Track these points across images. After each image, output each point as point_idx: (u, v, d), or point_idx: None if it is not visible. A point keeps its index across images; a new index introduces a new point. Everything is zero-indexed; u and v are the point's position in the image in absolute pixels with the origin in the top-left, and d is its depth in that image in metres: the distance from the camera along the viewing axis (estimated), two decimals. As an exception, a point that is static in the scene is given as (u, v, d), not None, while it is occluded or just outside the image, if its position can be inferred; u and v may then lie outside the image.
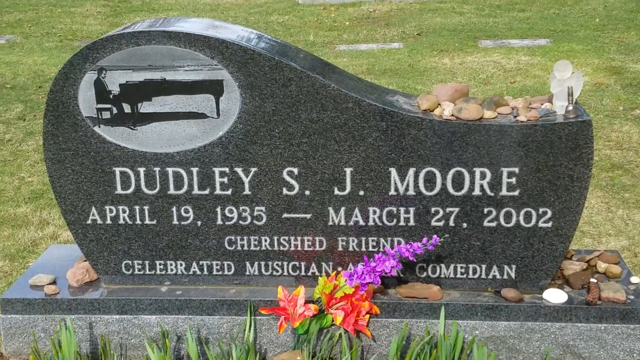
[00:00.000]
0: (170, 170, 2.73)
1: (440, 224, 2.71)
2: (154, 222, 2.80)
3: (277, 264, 2.82)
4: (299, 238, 2.77)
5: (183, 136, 2.68)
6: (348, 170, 2.68)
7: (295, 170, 2.69)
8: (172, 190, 2.75)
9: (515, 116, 2.65)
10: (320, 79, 2.59)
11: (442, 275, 2.78)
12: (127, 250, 2.84)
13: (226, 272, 2.85)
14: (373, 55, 7.96)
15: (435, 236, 2.63)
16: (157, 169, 2.73)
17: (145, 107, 2.66)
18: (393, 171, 2.66)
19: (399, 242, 2.75)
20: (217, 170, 2.72)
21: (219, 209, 2.76)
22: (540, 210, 2.65)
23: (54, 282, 2.92)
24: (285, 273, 2.83)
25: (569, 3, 9.73)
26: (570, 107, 2.61)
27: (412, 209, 2.70)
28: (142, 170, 2.73)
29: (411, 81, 6.87)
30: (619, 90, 6.34)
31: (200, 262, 2.84)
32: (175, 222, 2.79)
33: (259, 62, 2.59)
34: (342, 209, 2.72)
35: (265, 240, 2.79)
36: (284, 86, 2.61)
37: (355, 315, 2.65)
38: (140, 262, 2.86)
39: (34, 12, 10.47)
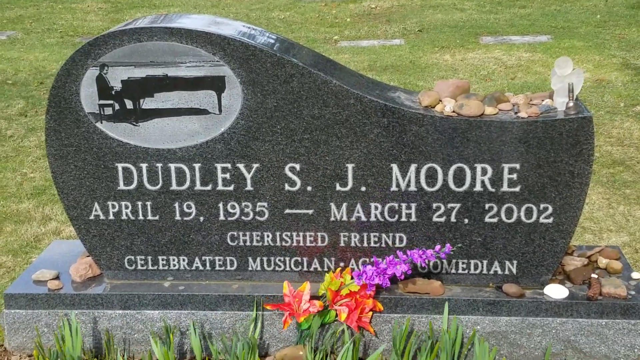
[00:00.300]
0: (172, 166, 2.74)
1: (442, 219, 2.72)
2: (157, 217, 2.81)
3: (279, 260, 2.83)
4: (301, 234, 2.78)
5: (185, 132, 2.69)
6: (350, 166, 2.69)
7: (297, 166, 2.70)
8: (174, 186, 2.76)
9: (516, 112, 2.65)
10: (322, 75, 2.60)
11: (444, 271, 2.79)
12: (130, 245, 2.85)
13: (229, 268, 2.86)
14: (374, 51, 7.97)
15: (448, 245, 2.65)
16: (159, 165, 2.74)
17: (147, 104, 2.67)
18: (395, 167, 2.67)
19: (400, 238, 2.76)
20: (219, 166, 2.73)
21: (221, 205, 2.77)
22: (541, 206, 2.66)
23: (57, 278, 2.93)
24: (288, 268, 2.84)
25: (569, 0, 9.74)
26: (571, 104, 2.61)
27: (414, 205, 2.71)
28: (144, 166, 2.74)
29: (412, 77, 6.88)
30: (620, 86, 6.35)
31: (203, 258, 2.85)
32: (177, 217, 2.80)
33: (260, 58, 2.59)
34: (344, 204, 2.74)
35: (268, 236, 2.80)
36: (286, 82, 2.62)
37: (359, 312, 2.66)
38: (143, 257, 2.87)
39: (34, 8, 10.47)
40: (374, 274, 2.63)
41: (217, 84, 2.63)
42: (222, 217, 2.79)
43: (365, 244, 2.78)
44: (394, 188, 2.70)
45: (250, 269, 2.86)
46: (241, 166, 2.72)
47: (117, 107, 2.68)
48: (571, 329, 2.70)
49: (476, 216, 2.70)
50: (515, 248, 2.73)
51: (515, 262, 2.75)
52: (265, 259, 2.84)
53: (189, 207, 2.79)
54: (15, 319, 2.86)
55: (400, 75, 6.97)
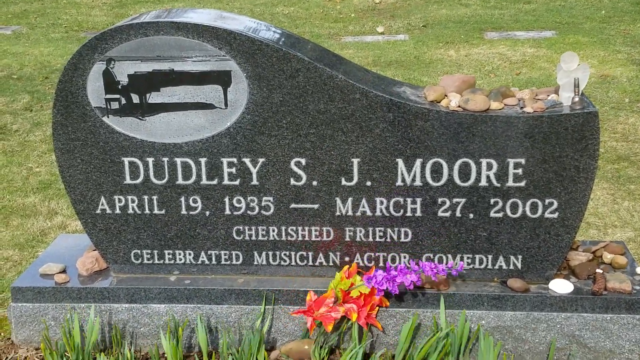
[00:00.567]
0: (178, 160, 2.75)
1: (447, 214, 2.72)
2: (163, 211, 2.82)
3: (284, 254, 2.84)
4: (306, 228, 2.79)
5: (191, 127, 2.70)
6: (355, 161, 2.69)
7: (303, 161, 2.71)
8: (180, 181, 2.77)
9: (521, 107, 2.66)
10: (327, 70, 2.60)
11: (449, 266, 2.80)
12: (136, 239, 2.86)
13: (234, 262, 2.87)
14: (378, 47, 7.96)
15: (461, 263, 2.66)
16: (165, 159, 2.75)
17: (153, 98, 2.68)
18: (400, 162, 2.68)
19: (405, 233, 2.77)
20: (225, 160, 2.73)
21: (227, 199, 2.78)
22: (547, 201, 2.67)
23: (63, 271, 2.95)
24: (293, 263, 2.85)
25: (575, -5, 9.72)
26: (577, 99, 2.62)
27: (419, 200, 2.72)
28: (150, 160, 2.75)
29: (417, 73, 6.88)
30: (625, 82, 6.34)
31: (209, 252, 2.86)
32: (183, 212, 2.81)
33: (266, 53, 2.60)
34: (350, 199, 2.74)
35: (273, 230, 2.81)
36: (292, 77, 2.62)
37: (367, 309, 2.67)
38: (149, 251, 2.88)
39: (39, 3, 10.48)
40: (384, 280, 2.64)
41: (223, 79, 2.64)
42: (227, 212, 2.80)
43: (370, 239, 2.79)
44: (399, 183, 2.71)
45: (255, 263, 2.87)
46: (247, 161, 2.73)
47: (123, 101, 2.69)
48: (576, 323, 2.70)
49: (481, 211, 2.71)
50: (520, 243, 2.74)
51: (520, 257, 2.76)
52: (270, 253, 2.85)
53: (194, 201, 2.80)
54: (22, 312, 2.88)
55: (404, 70, 6.97)
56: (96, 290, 2.85)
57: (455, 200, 2.71)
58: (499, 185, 2.67)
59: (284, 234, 2.81)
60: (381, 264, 2.81)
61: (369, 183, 2.72)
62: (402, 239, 2.78)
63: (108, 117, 2.71)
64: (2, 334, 3.01)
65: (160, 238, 2.86)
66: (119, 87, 2.67)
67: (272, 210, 2.78)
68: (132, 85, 2.66)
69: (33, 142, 5.39)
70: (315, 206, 2.77)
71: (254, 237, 2.83)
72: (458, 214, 2.72)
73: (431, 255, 2.80)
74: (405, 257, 2.79)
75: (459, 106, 2.65)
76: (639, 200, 4.23)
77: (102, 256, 2.93)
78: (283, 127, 2.67)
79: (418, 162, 2.67)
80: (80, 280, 2.90)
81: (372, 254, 2.81)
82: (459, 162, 2.66)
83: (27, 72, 7.22)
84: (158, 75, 2.65)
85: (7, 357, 2.87)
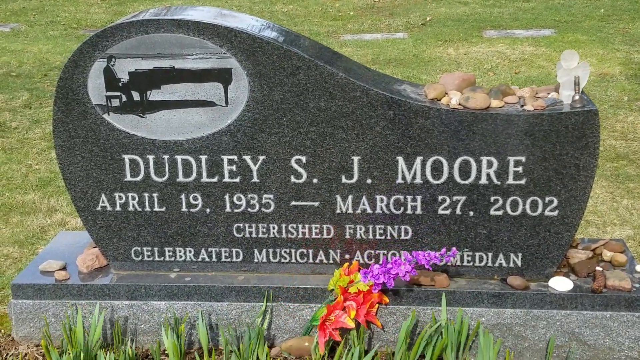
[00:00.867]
0: (179, 157, 2.75)
1: (447, 212, 2.73)
2: (163, 209, 2.82)
3: (285, 251, 2.85)
4: (307, 226, 2.80)
5: (192, 124, 2.70)
6: (356, 159, 2.70)
7: (303, 159, 2.71)
8: (181, 178, 2.78)
9: (522, 105, 2.66)
10: (328, 67, 2.61)
11: (449, 263, 2.81)
12: (137, 236, 2.87)
13: (234, 259, 2.88)
14: (378, 45, 7.97)
15: (454, 249, 2.66)
16: (166, 157, 2.75)
17: (154, 95, 2.68)
18: (400, 160, 2.68)
19: (406, 231, 2.77)
20: (225, 158, 2.74)
21: (227, 197, 2.79)
22: (547, 198, 2.67)
23: (64, 268, 2.95)
24: (293, 260, 2.86)
25: (573, -7, 9.73)
26: (577, 97, 2.62)
27: (419, 197, 2.72)
28: (151, 157, 2.76)
29: (416, 71, 6.88)
30: (624, 80, 6.35)
31: (209, 249, 2.87)
32: (184, 209, 2.81)
33: (267, 50, 2.60)
34: (350, 197, 2.75)
35: (274, 228, 2.82)
36: (292, 75, 2.62)
37: (367, 306, 2.68)
38: (149, 248, 2.88)
39: (38, 1, 10.47)
40: (380, 273, 2.64)
41: (223, 76, 2.64)
42: (228, 209, 2.80)
43: (370, 236, 2.80)
44: (399, 180, 2.71)
45: (256, 260, 2.87)
46: (247, 158, 2.73)
47: (124, 98, 2.69)
48: (575, 321, 2.71)
49: (481, 209, 2.71)
50: (520, 241, 2.74)
51: (520, 254, 2.76)
52: (271, 250, 2.85)
53: (195, 198, 2.80)
54: (22, 309, 2.88)
55: (403, 68, 6.98)
56: (97, 287, 2.85)
57: (455, 198, 2.71)
58: (499, 183, 2.68)
59: (284, 231, 2.82)
60: (381, 262, 2.81)
61: (369, 181, 2.72)
62: (403, 237, 2.78)
63: (109, 114, 2.71)
64: (2, 330, 3.02)
65: (160, 235, 2.86)
66: (120, 84, 2.67)
67: (272, 208, 2.79)
68: (132, 83, 2.66)
69: (32, 139, 5.39)
70: (316, 204, 2.77)
71: (254, 235, 2.83)
72: (458, 211, 2.73)
73: (431, 253, 2.80)
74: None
75: (459, 104, 2.65)
76: (637, 198, 4.24)
77: (102, 253, 2.93)
78: (283, 125, 2.68)
79: (418, 160, 2.67)
80: (81, 277, 2.90)
81: (373, 252, 2.82)
82: (459, 160, 2.66)
83: (26, 70, 7.22)
84: (159, 73, 2.65)
85: (7, 354, 2.87)
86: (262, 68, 2.62)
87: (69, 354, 2.59)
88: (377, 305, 2.74)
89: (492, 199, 2.70)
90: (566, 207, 2.67)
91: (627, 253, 2.94)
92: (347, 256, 2.84)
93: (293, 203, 2.78)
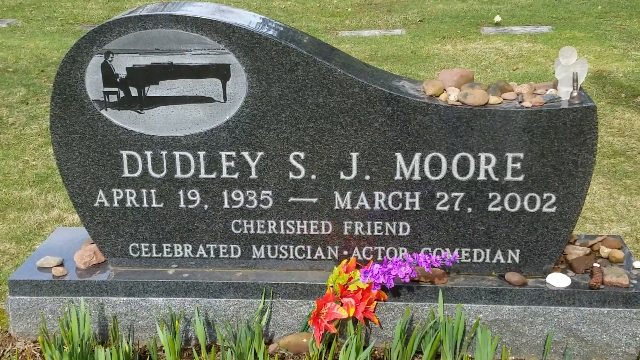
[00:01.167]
0: (177, 154, 2.74)
1: (446, 208, 2.73)
2: (161, 205, 2.82)
3: (283, 248, 2.85)
4: (305, 222, 2.80)
5: (190, 120, 2.70)
6: (354, 155, 2.69)
7: (302, 155, 2.71)
8: (179, 174, 2.77)
9: (520, 102, 2.66)
10: (326, 63, 2.60)
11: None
12: (135, 233, 2.86)
13: (233, 256, 2.87)
14: (375, 41, 7.96)
15: (455, 253, 2.65)
16: (164, 153, 2.75)
17: (152, 91, 2.67)
18: (399, 156, 2.68)
19: (404, 227, 2.77)
20: (223, 154, 2.73)
21: (225, 193, 2.78)
22: (545, 195, 2.67)
23: (61, 264, 2.94)
24: (292, 256, 2.86)
25: (571, -10, 9.73)
26: (575, 93, 2.62)
27: (418, 194, 2.72)
28: (149, 153, 2.75)
29: (414, 68, 6.88)
30: (621, 77, 6.35)
31: (207, 245, 2.86)
32: (182, 205, 2.81)
33: (265, 46, 2.60)
34: (348, 193, 2.74)
35: (272, 224, 2.81)
36: (291, 71, 2.62)
37: (365, 303, 2.67)
38: (147, 244, 2.88)
39: (35, -4, 10.44)
40: (380, 273, 2.64)
41: (222, 72, 2.63)
42: (226, 205, 2.80)
43: (369, 233, 2.80)
44: (398, 177, 2.71)
45: (254, 256, 2.87)
46: (246, 154, 2.73)
47: (121, 94, 2.68)
48: (573, 317, 2.71)
49: (480, 205, 2.71)
50: (518, 237, 2.74)
51: (518, 251, 2.77)
52: (269, 247, 2.85)
53: (193, 195, 2.80)
54: (19, 305, 2.87)
55: (401, 65, 6.97)
56: (94, 283, 2.85)
57: (453, 194, 2.71)
58: (497, 179, 2.68)
59: (282, 227, 2.81)
60: (379, 258, 2.82)
61: (367, 177, 2.72)
62: (401, 233, 2.78)
63: (106, 110, 2.70)
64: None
65: (158, 231, 2.86)
66: (118, 80, 2.67)
67: (270, 204, 2.79)
68: (130, 79, 2.66)
69: (29, 135, 5.38)
70: (314, 200, 2.77)
71: (252, 231, 2.83)
72: (456, 208, 2.73)
73: (429, 249, 2.80)
74: (403, 251, 2.80)
75: (457, 100, 2.65)
76: (635, 194, 4.25)
77: (100, 249, 2.92)
78: (282, 121, 2.67)
79: (417, 156, 2.67)
80: (78, 274, 2.90)
81: (371, 248, 2.82)
82: (457, 156, 2.66)
83: (23, 65, 7.20)
84: (157, 69, 2.64)
85: (4, 350, 2.87)
86: (260, 64, 2.61)
87: (66, 350, 2.58)
88: (375, 302, 2.74)
89: (490, 195, 2.70)
90: (564, 203, 2.68)
91: (624, 249, 2.95)
92: (345, 252, 2.84)
93: (291, 199, 2.77)
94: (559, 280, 2.74)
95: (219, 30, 2.58)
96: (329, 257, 2.85)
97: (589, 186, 2.67)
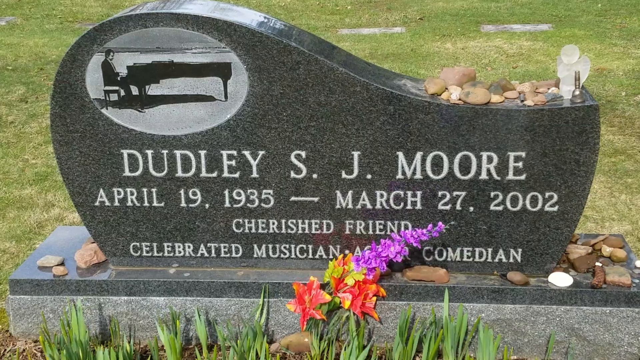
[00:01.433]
0: (178, 152, 2.74)
1: (447, 207, 2.72)
2: (162, 204, 2.81)
3: (284, 247, 2.84)
4: (306, 221, 2.79)
5: (191, 119, 2.69)
6: (355, 154, 2.68)
7: (303, 154, 2.70)
8: (180, 173, 2.76)
9: (522, 100, 2.65)
10: (328, 62, 2.59)
11: (449, 259, 2.80)
12: (135, 232, 2.85)
13: (234, 255, 2.86)
14: (375, 39, 7.95)
15: (440, 223, 2.63)
16: (165, 152, 2.74)
17: (153, 90, 2.66)
18: (400, 155, 2.67)
19: (405, 226, 2.77)
20: (224, 153, 2.72)
21: (226, 192, 2.77)
22: (547, 194, 2.67)
23: (62, 264, 2.93)
24: (293, 256, 2.85)
25: (571, -12, 9.72)
26: (577, 92, 2.61)
27: (419, 193, 2.72)
28: (149, 152, 2.74)
29: (414, 66, 6.86)
30: (621, 75, 6.35)
31: (208, 245, 2.86)
32: (183, 204, 2.80)
33: (267, 45, 2.59)
34: (350, 192, 2.74)
35: (273, 223, 2.81)
36: (292, 69, 2.61)
37: (362, 298, 2.67)
38: (148, 244, 2.87)
39: (33, -6, 10.42)
40: (371, 257, 2.62)
41: (223, 71, 2.62)
42: (227, 204, 2.79)
43: (370, 232, 2.79)
44: (399, 176, 2.70)
45: (255, 256, 2.86)
46: (247, 153, 2.72)
47: (122, 93, 2.67)
48: (575, 317, 2.71)
49: (481, 204, 2.71)
50: (520, 236, 2.74)
51: (520, 250, 2.76)
52: (270, 246, 2.84)
53: (194, 194, 2.79)
54: (20, 304, 2.87)
55: (401, 63, 6.96)
56: (95, 282, 2.84)
57: (455, 193, 2.70)
58: (499, 178, 2.67)
59: (283, 226, 2.81)
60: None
61: (369, 176, 2.71)
62: (402, 232, 2.77)
63: (107, 109, 2.69)
64: (0, 326, 3.00)
65: (159, 230, 2.85)
66: (118, 78, 2.66)
67: (272, 203, 2.78)
68: (131, 77, 2.65)
69: (29, 133, 5.36)
70: (315, 199, 2.76)
71: (253, 230, 2.82)
72: (458, 207, 2.72)
73: (431, 249, 2.79)
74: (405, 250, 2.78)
75: (459, 99, 2.64)
76: (636, 193, 4.24)
77: (100, 249, 2.91)
78: (283, 120, 2.66)
79: (418, 155, 2.66)
80: (79, 273, 2.89)
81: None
82: (459, 155, 2.65)
83: (22, 64, 7.18)
84: (157, 67, 2.63)
85: (5, 350, 2.86)
86: (261, 62, 2.60)
87: (66, 349, 2.57)
88: (375, 298, 2.73)
89: (492, 194, 2.69)
90: (566, 202, 2.67)
91: (626, 248, 2.94)
92: (346, 252, 2.83)
93: (293, 198, 2.77)
94: (561, 279, 2.74)
95: (220, 29, 2.57)
96: (331, 257, 2.84)
97: (591, 185, 2.66)
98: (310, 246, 2.83)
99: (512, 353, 2.77)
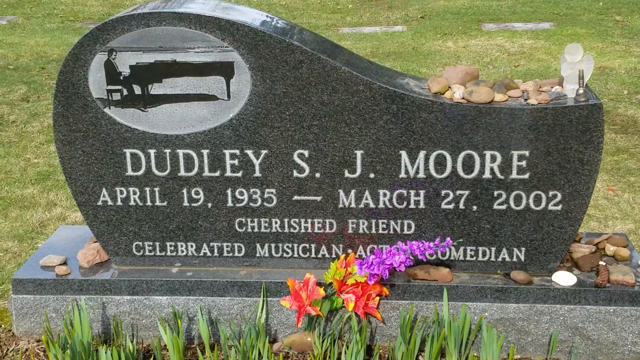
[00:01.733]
0: (180, 152, 2.73)
1: (451, 206, 2.72)
2: (165, 203, 2.80)
3: (287, 246, 2.83)
4: (309, 220, 2.78)
5: (194, 118, 2.68)
6: (358, 153, 2.68)
7: (306, 153, 2.69)
8: (182, 172, 2.76)
9: (525, 99, 2.65)
10: (330, 61, 2.59)
11: (452, 258, 2.80)
12: (138, 231, 2.85)
13: (236, 254, 2.86)
14: (376, 38, 7.94)
15: (448, 239, 2.63)
16: (167, 151, 2.73)
17: (155, 89, 2.66)
18: (403, 154, 2.67)
19: (409, 225, 2.76)
20: (227, 152, 2.72)
21: (229, 191, 2.77)
22: (550, 193, 2.66)
23: (64, 263, 2.93)
24: (296, 255, 2.84)
25: (572, -14, 9.71)
26: (581, 91, 2.61)
27: (423, 192, 2.71)
28: (152, 152, 2.74)
29: (415, 64, 6.86)
30: (623, 74, 6.34)
31: (211, 244, 2.85)
32: (185, 203, 2.80)
33: (269, 44, 2.58)
34: (353, 191, 2.73)
35: (276, 223, 2.80)
36: (295, 68, 2.60)
37: (365, 298, 2.66)
38: (150, 243, 2.87)
39: (34, -7, 10.42)
40: (375, 263, 2.62)
41: (225, 70, 2.62)
42: (230, 204, 2.79)
43: (373, 231, 2.78)
44: (402, 175, 2.70)
45: (258, 255, 2.86)
46: (249, 152, 2.71)
47: (125, 92, 2.67)
48: (579, 316, 2.70)
49: (485, 203, 2.70)
50: (523, 235, 2.73)
51: (523, 249, 2.75)
52: (273, 245, 2.84)
53: (197, 193, 2.78)
54: (23, 304, 2.86)
55: (402, 62, 6.95)
56: (97, 282, 2.84)
57: (458, 192, 2.70)
58: (502, 177, 2.66)
59: (286, 226, 2.80)
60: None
61: (372, 175, 2.70)
62: (405, 231, 2.77)
63: (110, 108, 2.69)
64: (2, 325, 3.00)
65: (162, 230, 2.84)
66: (121, 78, 2.65)
67: (274, 202, 2.77)
68: (134, 76, 2.64)
69: (30, 133, 5.36)
70: (318, 198, 2.75)
71: (256, 229, 2.82)
72: (461, 206, 2.72)
73: (432, 246, 2.79)
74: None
75: (462, 98, 2.64)
76: (638, 192, 4.24)
77: (103, 248, 2.91)
78: (286, 119, 2.66)
79: (421, 154, 2.66)
80: (82, 272, 2.89)
81: (375, 247, 2.80)
82: (462, 154, 2.65)
83: (24, 63, 7.18)
84: (160, 66, 2.63)
85: (8, 349, 2.86)
86: (264, 61, 2.60)
87: (70, 349, 2.57)
88: (378, 298, 2.72)
89: (495, 193, 2.69)
90: (570, 201, 2.66)
91: (630, 247, 2.94)
92: (349, 251, 2.82)
93: (295, 197, 2.76)
94: (564, 278, 2.73)
95: (223, 28, 2.57)
96: (334, 256, 2.84)
97: (594, 184, 2.66)
98: (312, 245, 2.83)
99: (516, 352, 2.76)
